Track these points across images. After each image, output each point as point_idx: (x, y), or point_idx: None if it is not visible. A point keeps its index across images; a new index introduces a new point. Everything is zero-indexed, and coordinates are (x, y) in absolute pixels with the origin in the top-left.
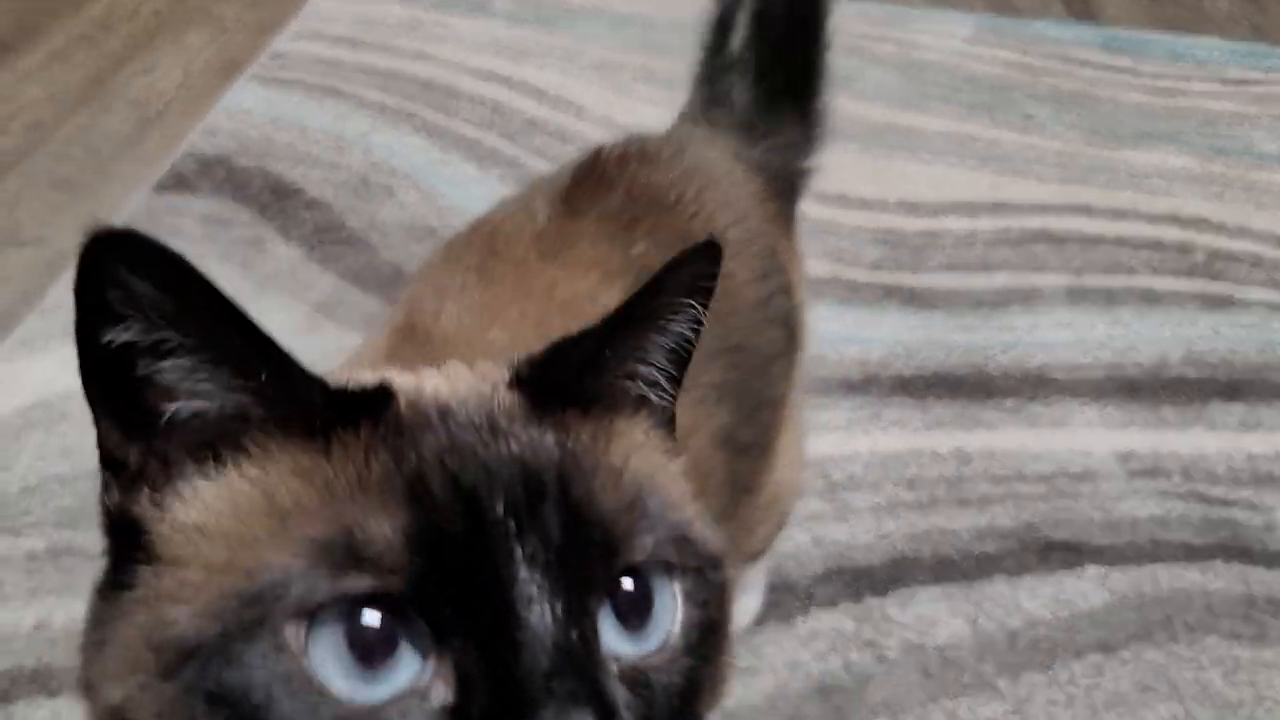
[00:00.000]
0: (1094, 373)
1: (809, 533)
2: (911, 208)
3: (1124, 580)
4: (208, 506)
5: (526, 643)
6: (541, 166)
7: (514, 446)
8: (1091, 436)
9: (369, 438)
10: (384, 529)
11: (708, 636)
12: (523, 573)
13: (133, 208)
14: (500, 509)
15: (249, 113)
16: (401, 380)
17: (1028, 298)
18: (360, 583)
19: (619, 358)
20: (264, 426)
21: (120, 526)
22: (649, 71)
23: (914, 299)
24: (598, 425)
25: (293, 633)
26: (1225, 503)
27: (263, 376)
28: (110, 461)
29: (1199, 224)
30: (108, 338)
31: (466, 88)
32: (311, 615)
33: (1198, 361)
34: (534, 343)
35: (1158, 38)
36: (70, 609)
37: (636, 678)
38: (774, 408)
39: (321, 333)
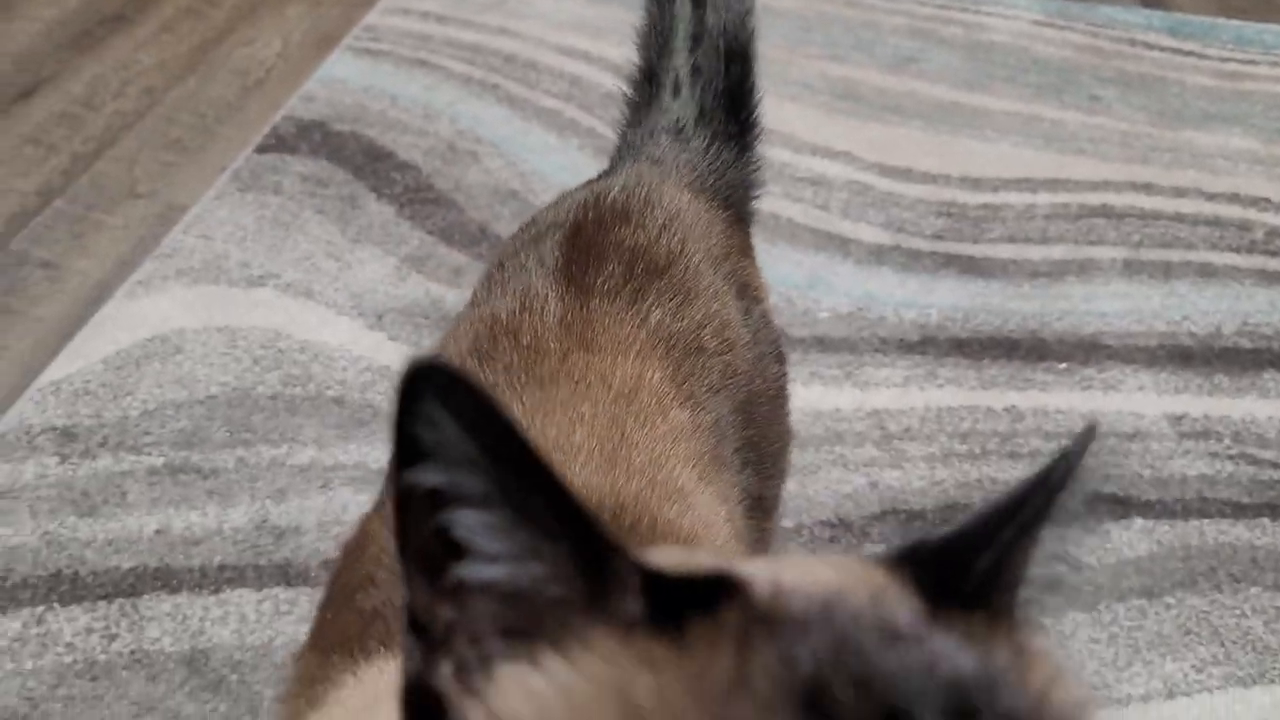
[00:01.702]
0: (1148, 341)
1: (865, 477)
2: (973, 183)
3: (1171, 533)
4: (533, 697)
5: None
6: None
7: (926, 654)
8: (1143, 399)
9: (738, 629)
10: None
11: None
12: None
13: (237, 166)
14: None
15: (343, 82)
16: (741, 567)
17: (1084, 269)
18: None
19: (1020, 561)
20: (586, 610)
21: (417, 700)
22: None
23: (972, 268)
24: (1007, 641)
25: None
26: (1275, 465)
27: (565, 546)
28: (414, 624)
29: (1260, 203)
30: (413, 478)
31: (547, 62)
32: None
33: (1252, 333)
34: (618, 444)
35: (1226, 23)
36: (186, 519)
37: None
38: (785, 447)
39: (411, 282)
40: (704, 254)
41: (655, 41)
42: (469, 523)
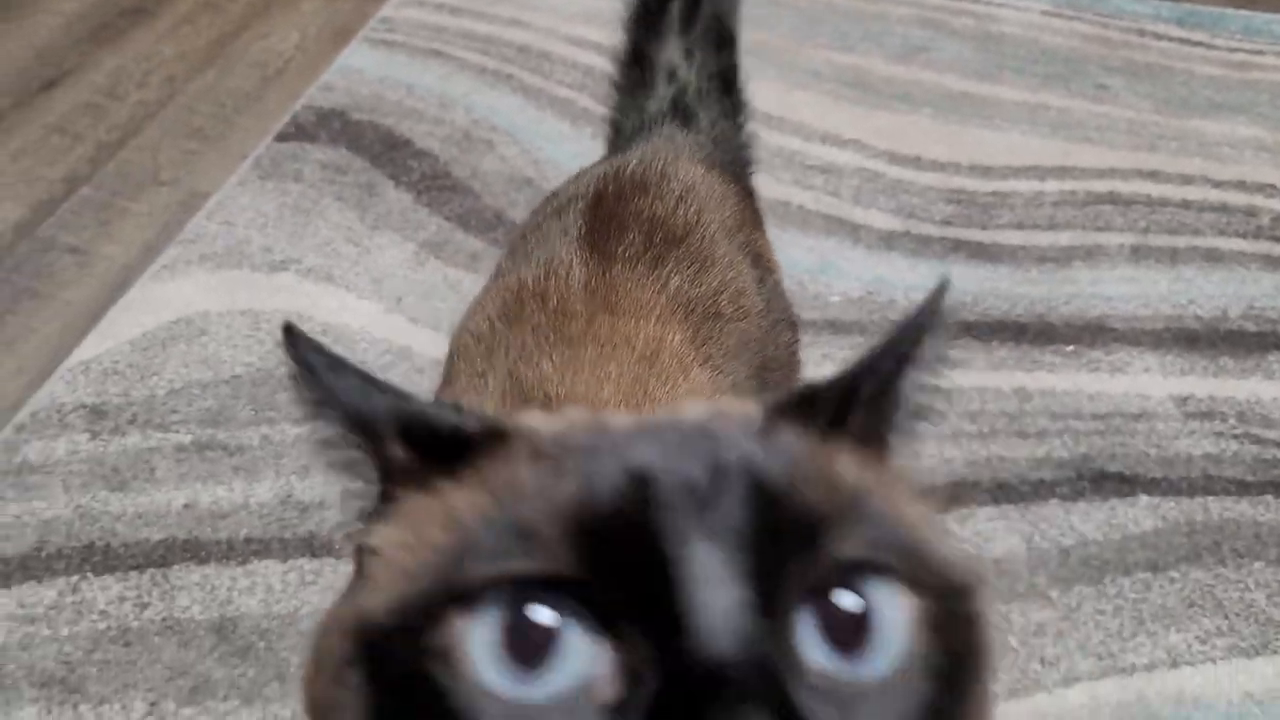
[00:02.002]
0: (1154, 324)
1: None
2: (983, 170)
3: (1175, 509)
4: (388, 536)
5: (701, 627)
6: None
7: (701, 441)
8: (1149, 381)
9: (528, 452)
10: (548, 512)
11: (950, 677)
12: (699, 553)
13: (258, 153)
14: (674, 489)
15: (360, 72)
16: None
17: (1092, 254)
18: (519, 564)
19: (869, 395)
20: (424, 465)
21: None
22: None
23: (981, 253)
24: (827, 444)
25: (455, 623)
26: (1279, 444)
27: (360, 436)
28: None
29: (1266, 189)
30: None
31: (560, 53)
32: (474, 603)
33: (1258, 316)
34: (641, 401)
35: (1234, 13)
36: (214, 494)
37: (844, 702)
38: None
39: (429, 267)
40: (719, 225)
41: (645, 26)
42: (327, 426)
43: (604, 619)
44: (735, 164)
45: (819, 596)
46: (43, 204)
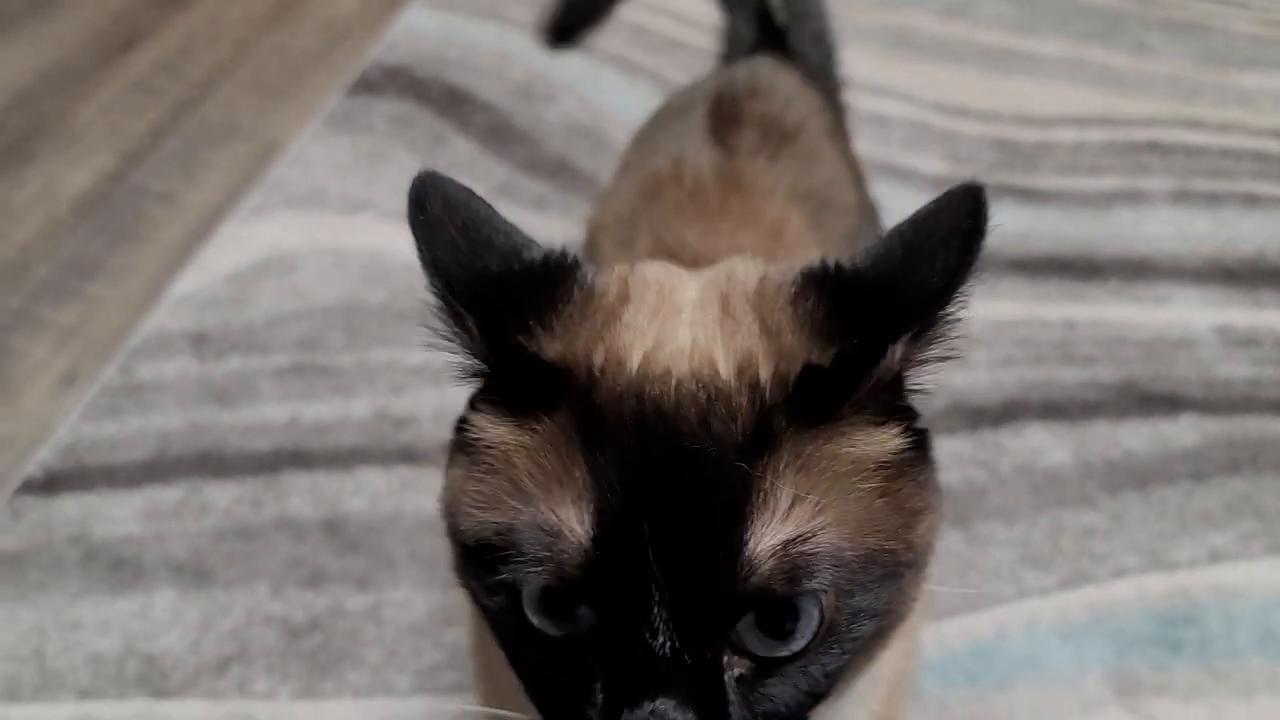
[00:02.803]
0: (1194, 261)
1: (931, 378)
2: (1025, 120)
3: (1216, 426)
4: (483, 434)
5: (643, 659)
6: (680, 79)
7: (691, 474)
8: (1190, 312)
9: (569, 423)
10: (577, 531)
11: (852, 622)
12: (655, 606)
13: (329, 108)
14: (652, 535)
15: (422, 33)
16: (627, 334)
17: (1134, 198)
18: (550, 561)
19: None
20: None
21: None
22: None
23: (1026, 197)
24: (814, 444)
25: (509, 572)
26: None
27: (463, 327)
28: None
29: None
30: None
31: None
32: (524, 569)
33: None
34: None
35: None
36: (315, 410)
37: (769, 675)
38: None
39: (499, 210)
40: (820, 128)
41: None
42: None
43: (604, 614)
44: (827, 82)
45: (760, 613)
46: (132, 154)
